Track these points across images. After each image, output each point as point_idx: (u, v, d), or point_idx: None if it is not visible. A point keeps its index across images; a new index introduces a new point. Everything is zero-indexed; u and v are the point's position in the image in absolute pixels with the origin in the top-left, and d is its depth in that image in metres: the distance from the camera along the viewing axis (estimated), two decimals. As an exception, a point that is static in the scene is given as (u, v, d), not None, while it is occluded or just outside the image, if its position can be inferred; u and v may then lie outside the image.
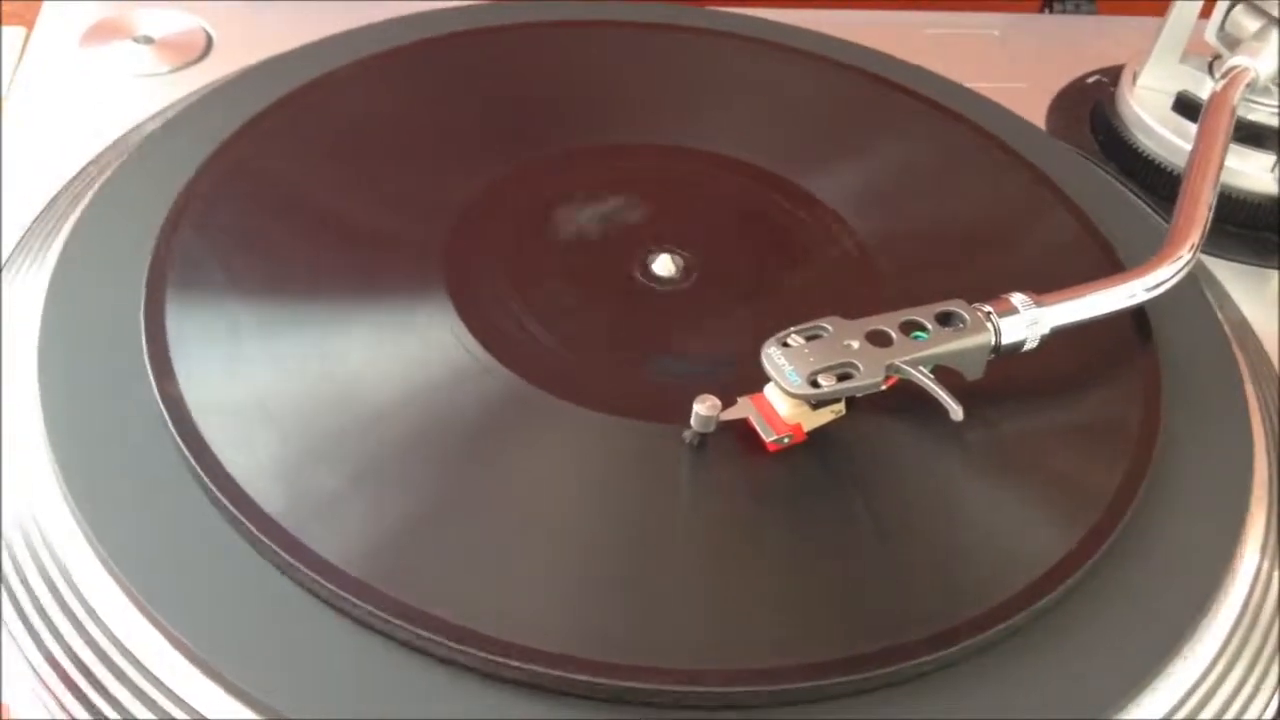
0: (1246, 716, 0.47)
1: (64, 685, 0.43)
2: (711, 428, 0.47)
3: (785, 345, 0.47)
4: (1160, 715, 0.45)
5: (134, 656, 0.43)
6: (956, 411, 0.46)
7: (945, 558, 0.47)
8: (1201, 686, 0.46)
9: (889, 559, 0.47)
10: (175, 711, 0.42)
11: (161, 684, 0.42)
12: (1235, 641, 0.48)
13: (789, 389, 0.46)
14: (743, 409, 0.48)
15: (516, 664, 0.42)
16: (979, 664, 0.44)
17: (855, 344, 0.47)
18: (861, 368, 0.47)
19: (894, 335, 0.48)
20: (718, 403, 0.47)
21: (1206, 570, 0.49)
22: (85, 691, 0.43)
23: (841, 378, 0.47)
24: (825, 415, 0.48)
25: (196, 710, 0.42)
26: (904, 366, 0.47)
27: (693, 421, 0.47)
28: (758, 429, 0.48)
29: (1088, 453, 0.51)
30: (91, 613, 0.44)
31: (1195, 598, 0.48)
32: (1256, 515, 0.51)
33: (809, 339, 0.47)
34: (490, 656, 0.42)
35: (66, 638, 0.44)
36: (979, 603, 0.45)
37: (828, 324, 0.48)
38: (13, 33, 0.70)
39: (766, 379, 0.47)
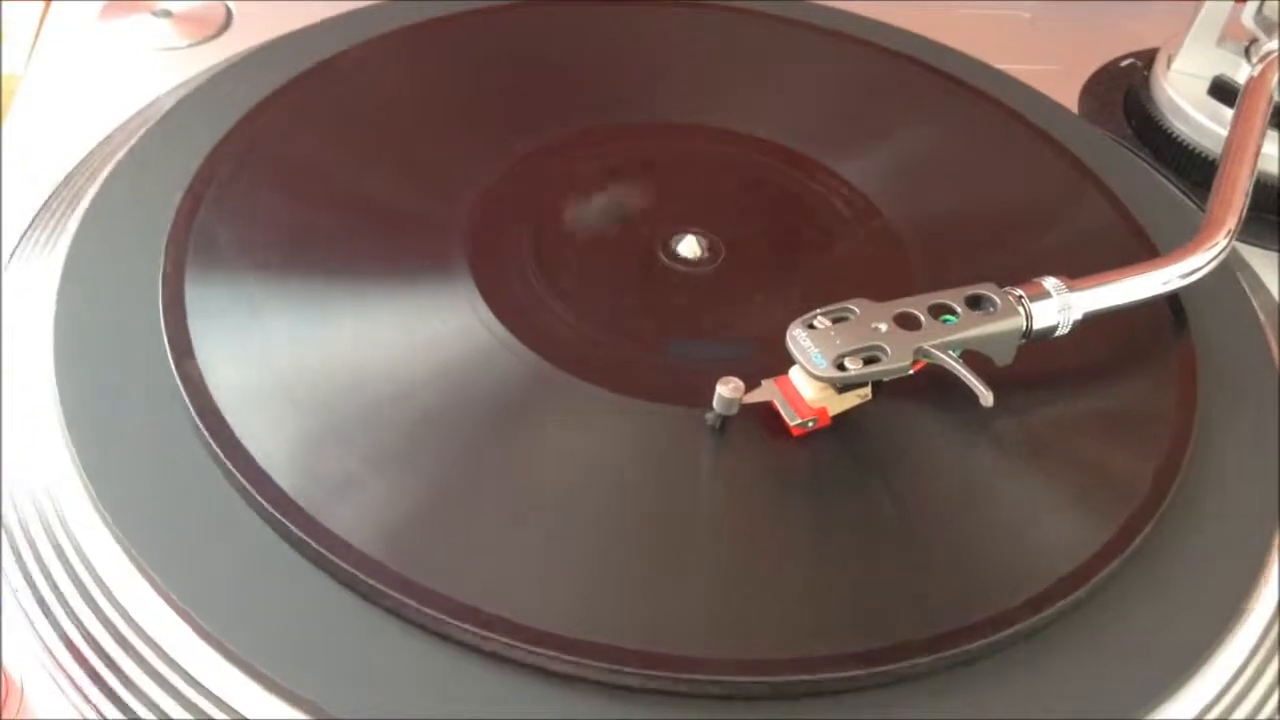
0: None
1: (75, 660, 0.43)
2: (734, 410, 0.47)
3: (811, 327, 0.46)
4: (1195, 712, 0.44)
5: (145, 633, 0.43)
6: (986, 397, 0.46)
7: (973, 549, 0.46)
8: (1237, 683, 0.46)
9: (914, 549, 0.46)
10: (186, 689, 0.42)
11: (174, 661, 0.42)
12: (1271, 638, 0.47)
13: (814, 372, 0.45)
14: (767, 391, 0.47)
15: (529, 648, 0.41)
16: (1008, 659, 0.44)
17: (883, 327, 0.47)
18: (889, 351, 0.46)
19: (923, 318, 0.47)
20: (741, 384, 0.46)
21: (1243, 564, 0.48)
22: (95, 667, 0.43)
23: (868, 361, 0.46)
24: (851, 399, 0.48)
25: (206, 688, 0.42)
26: (932, 350, 0.46)
27: (715, 403, 0.47)
28: (781, 412, 0.47)
29: (1121, 443, 0.51)
30: (104, 589, 0.44)
31: (1232, 593, 0.47)
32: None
33: (835, 321, 0.47)
34: (511, 642, 0.41)
35: (78, 613, 0.43)
36: (1009, 596, 0.44)
37: (855, 306, 0.47)
38: (32, 6, 0.70)
39: (792, 362, 0.46)
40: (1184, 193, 0.66)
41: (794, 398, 0.47)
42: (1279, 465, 0.51)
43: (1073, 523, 0.47)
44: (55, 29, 0.68)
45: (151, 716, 0.41)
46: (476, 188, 0.57)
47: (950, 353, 0.47)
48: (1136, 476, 0.49)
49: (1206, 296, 0.56)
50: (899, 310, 0.47)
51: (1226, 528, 0.49)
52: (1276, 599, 0.48)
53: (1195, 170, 0.66)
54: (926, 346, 0.46)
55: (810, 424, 0.47)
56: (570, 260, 0.55)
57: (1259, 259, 0.63)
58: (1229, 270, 0.58)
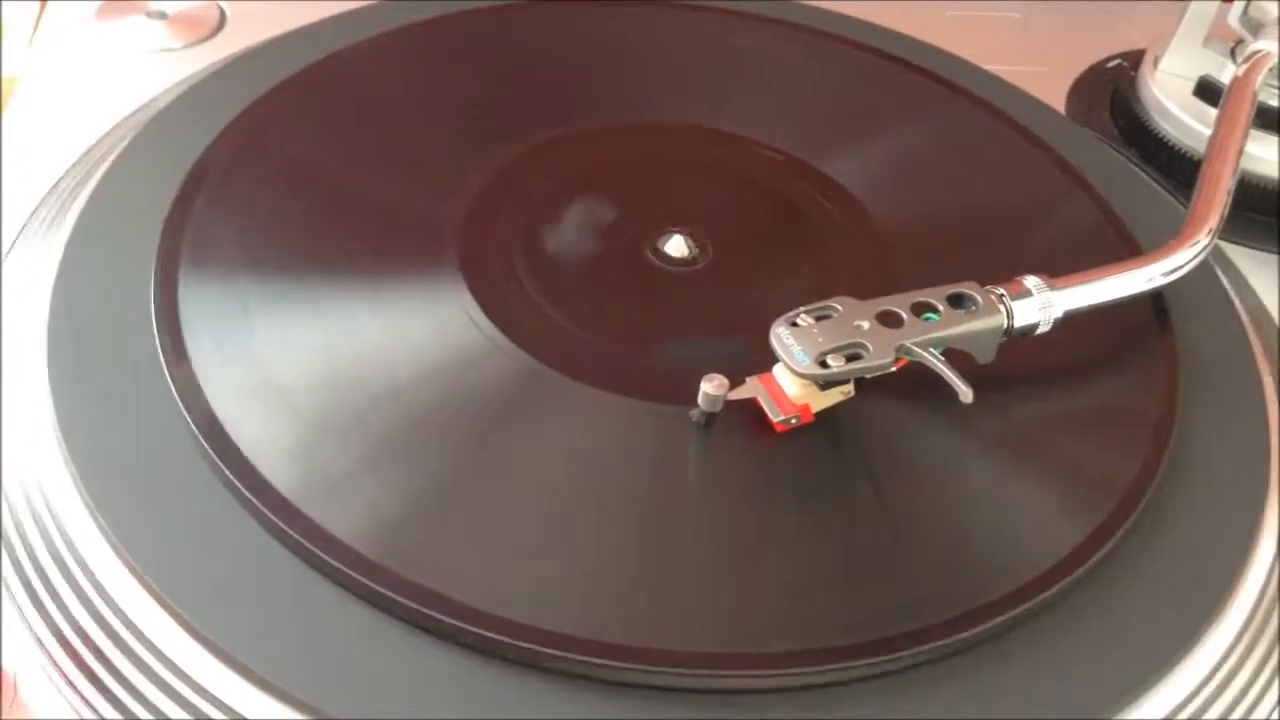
0: (1255, 715, 0.46)
1: (70, 659, 0.43)
2: (719, 407, 0.47)
3: (794, 325, 0.47)
4: (1169, 710, 0.45)
5: (140, 631, 0.43)
6: (966, 393, 0.46)
7: (952, 545, 0.46)
8: (1213, 681, 0.46)
9: (894, 545, 0.46)
10: (181, 688, 0.42)
11: (169, 660, 0.42)
12: (1248, 636, 0.47)
13: (797, 369, 0.46)
14: (750, 389, 0.47)
15: (518, 643, 0.42)
16: (983, 655, 0.44)
17: (865, 324, 0.47)
18: (871, 348, 0.46)
19: (905, 316, 0.47)
20: (725, 382, 0.47)
21: (1222, 562, 0.48)
22: (91, 666, 0.43)
23: (850, 358, 0.46)
24: (834, 396, 0.48)
25: (201, 686, 0.42)
26: (914, 348, 0.47)
27: (700, 401, 0.47)
28: (765, 409, 0.47)
29: (1102, 440, 0.51)
30: (99, 588, 0.44)
31: (1211, 590, 0.47)
32: (1274, 505, 0.51)
33: (818, 319, 0.47)
34: (509, 639, 0.42)
35: (73, 612, 0.44)
36: (985, 593, 0.44)
37: (837, 304, 0.47)
38: (27, 7, 0.70)
39: (776, 359, 0.47)
40: (1170, 192, 0.66)
41: (778, 395, 0.47)
42: (1259, 465, 0.51)
43: (1052, 520, 0.47)
44: (51, 30, 0.68)
45: (147, 715, 0.42)
46: (467, 188, 0.57)
47: (932, 350, 0.47)
48: (1117, 474, 0.49)
49: (1191, 296, 0.56)
50: (881, 308, 0.47)
51: (1205, 526, 0.49)
52: (1253, 599, 0.48)
53: (1181, 170, 0.66)
54: (908, 344, 0.47)
55: (793, 421, 0.47)
56: (560, 260, 0.55)
57: (1244, 258, 0.63)
58: (1213, 269, 0.58)
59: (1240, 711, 0.46)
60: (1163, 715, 0.44)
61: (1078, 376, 0.53)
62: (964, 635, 0.43)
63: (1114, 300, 0.52)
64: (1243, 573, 0.48)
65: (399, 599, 0.42)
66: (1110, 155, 0.67)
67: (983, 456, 0.49)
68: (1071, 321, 0.50)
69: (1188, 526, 0.49)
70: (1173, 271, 0.53)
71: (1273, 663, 0.47)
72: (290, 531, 0.43)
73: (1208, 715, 0.45)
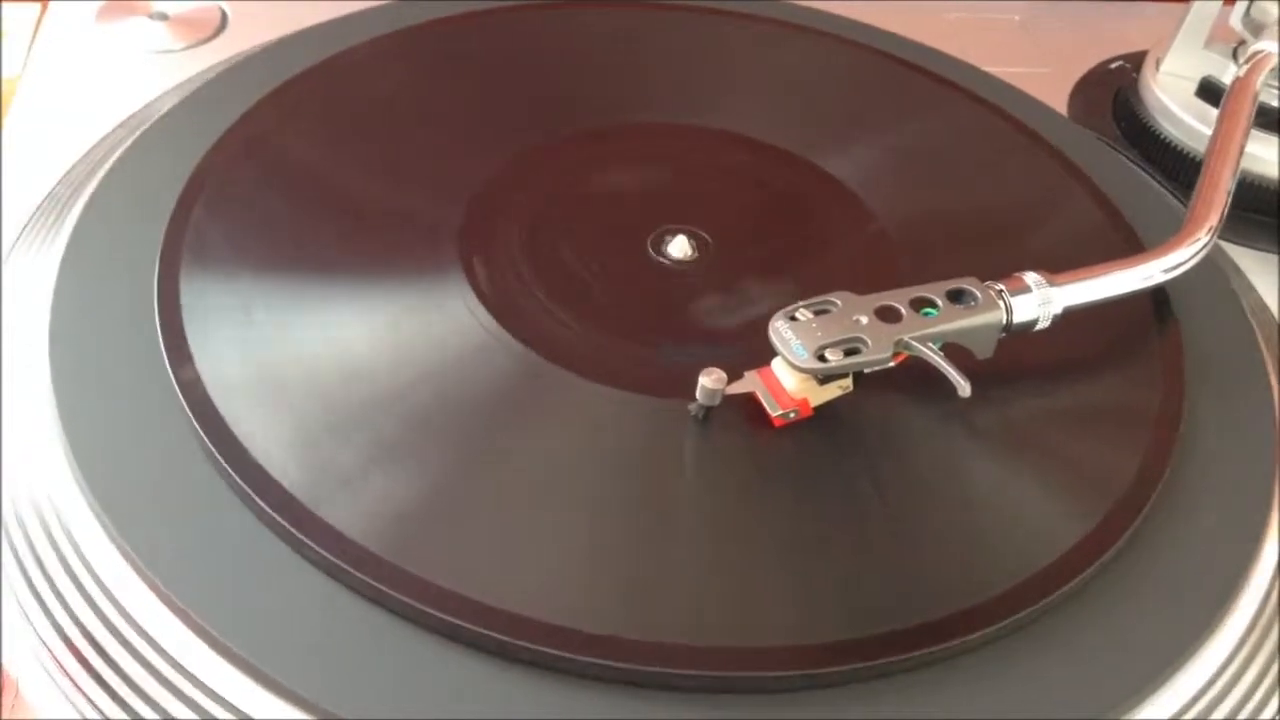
0: (1263, 717, 0.46)
1: (73, 658, 0.43)
2: (717, 401, 0.47)
3: (793, 319, 0.47)
4: (1175, 711, 0.44)
5: (143, 630, 0.43)
6: (964, 388, 0.46)
7: (952, 542, 0.46)
8: (1219, 681, 0.46)
9: (893, 541, 0.46)
10: (184, 686, 0.42)
11: (171, 658, 0.42)
12: (1255, 635, 0.47)
13: (795, 363, 0.46)
14: (749, 383, 0.47)
15: (521, 641, 0.42)
16: (986, 655, 0.44)
17: (864, 319, 0.47)
18: (870, 343, 0.46)
19: (904, 311, 0.47)
20: (724, 375, 0.47)
21: (1227, 563, 0.48)
22: (93, 665, 0.43)
23: (849, 353, 0.46)
24: (832, 391, 0.48)
25: (205, 684, 0.42)
26: (913, 342, 0.47)
27: (698, 394, 0.47)
28: (763, 403, 0.47)
29: (1106, 437, 0.51)
30: (102, 587, 0.44)
31: (1216, 591, 0.47)
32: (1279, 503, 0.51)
33: (817, 313, 0.47)
34: (497, 634, 0.42)
35: (76, 612, 0.44)
36: (987, 592, 0.44)
37: (836, 298, 0.47)
38: (29, 7, 0.71)
39: (775, 354, 0.47)
40: (1172, 193, 0.66)
41: (776, 389, 0.47)
42: (1265, 463, 0.51)
43: (1056, 518, 0.47)
44: (52, 31, 0.69)
45: (150, 714, 0.42)
46: (469, 188, 0.57)
47: (930, 345, 0.47)
48: (1124, 469, 0.49)
49: (1195, 295, 0.56)
50: (880, 303, 0.47)
51: (1211, 525, 0.49)
52: (1259, 598, 0.48)
53: (1183, 171, 0.66)
54: (906, 338, 0.47)
55: (792, 415, 0.47)
56: (563, 259, 0.55)
57: (1248, 258, 0.63)
58: (1217, 269, 0.58)
59: (1247, 712, 0.46)
60: (1169, 716, 0.44)
61: (1080, 373, 0.53)
62: (966, 636, 0.43)
63: (1113, 297, 0.52)
64: (1249, 571, 0.48)
65: (399, 596, 0.42)
66: (1112, 156, 0.67)
67: (982, 453, 0.49)
68: (1076, 318, 0.50)
69: (1193, 524, 0.49)
70: (1172, 269, 0.53)
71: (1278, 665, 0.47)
72: (293, 530, 0.43)
73: (1214, 716, 0.45)
